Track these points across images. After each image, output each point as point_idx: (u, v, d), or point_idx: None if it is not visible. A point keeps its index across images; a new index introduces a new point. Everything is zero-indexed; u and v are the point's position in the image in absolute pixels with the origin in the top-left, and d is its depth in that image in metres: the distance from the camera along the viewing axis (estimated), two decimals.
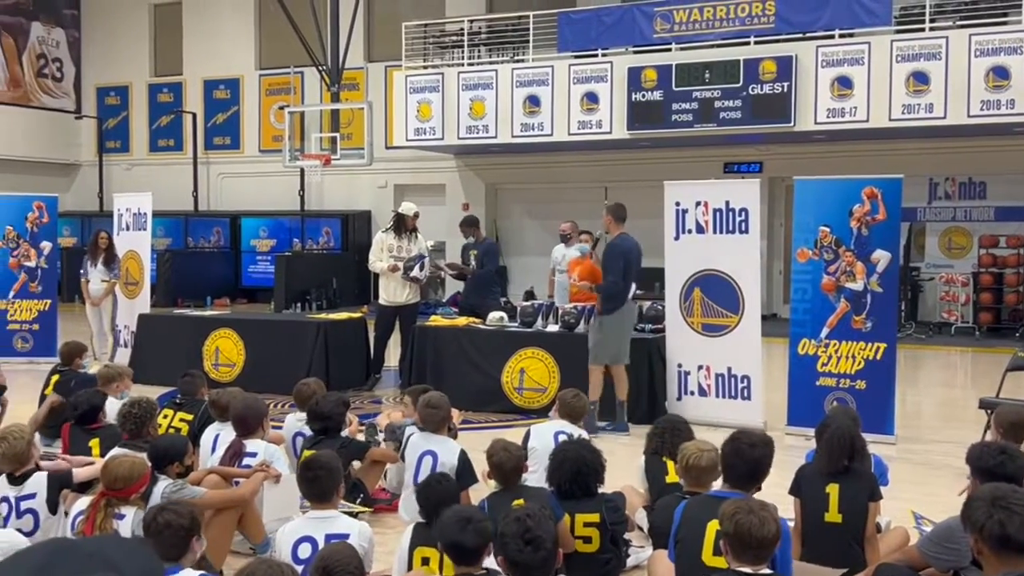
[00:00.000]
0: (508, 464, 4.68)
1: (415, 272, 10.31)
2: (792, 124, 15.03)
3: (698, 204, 8.73)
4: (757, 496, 3.91)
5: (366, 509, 5.65)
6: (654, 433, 5.47)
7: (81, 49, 24.19)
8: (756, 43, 15.31)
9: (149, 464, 4.62)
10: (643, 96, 15.90)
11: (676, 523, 4.07)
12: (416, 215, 10.59)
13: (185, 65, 22.99)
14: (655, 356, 8.92)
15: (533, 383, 9.19)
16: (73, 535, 4.21)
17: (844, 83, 14.73)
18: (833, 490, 4.58)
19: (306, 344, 10.22)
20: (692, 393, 8.79)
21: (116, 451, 5.11)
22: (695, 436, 5.18)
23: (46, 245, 12.47)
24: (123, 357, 11.37)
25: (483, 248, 11.15)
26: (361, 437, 6.52)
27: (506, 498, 4.48)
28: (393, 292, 10.41)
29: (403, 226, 10.49)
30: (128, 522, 4.30)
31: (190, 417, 6.50)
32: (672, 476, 5.12)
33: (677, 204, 8.87)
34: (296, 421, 6.46)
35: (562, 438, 5.67)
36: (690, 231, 8.77)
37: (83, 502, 4.39)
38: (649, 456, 5.37)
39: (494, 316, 9.88)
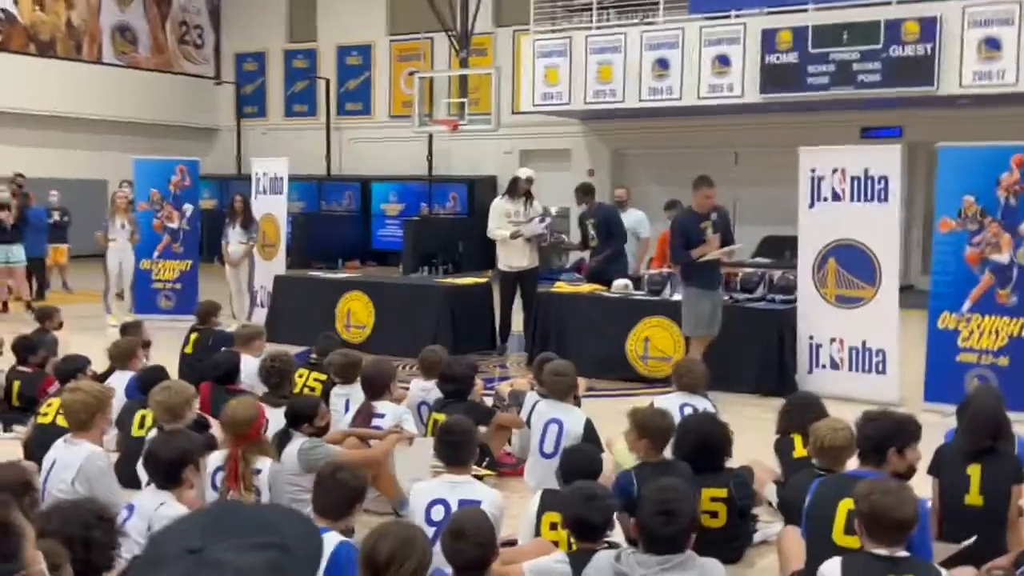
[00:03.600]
0: (657, 427, 4.61)
1: (537, 228, 10.25)
2: (935, 88, 14.34)
3: (835, 171, 8.44)
4: None
5: (491, 473, 5.72)
6: (784, 411, 5.36)
7: (220, 16, 24.96)
8: (898, 3, 14.63)
9: (260, 403, 4.78)
10: (777, 58, 15.42)
11: (809, 500, 3.98)
12: (530, 179, 10.55)
13: (319, 32, 23.46)
14: (785, 328, 8.71)
15: (658, 352, 9.10)
16: (218, 491, 4.40)
17: (992, 44, 13.94)
18: (975, 471, 4.40)
19: (433, 308, 10.38)
20: (824, 367, 8.56)
21: None
22: (827, 413, 5.04)
23: (188, 207, 12.97)
24: (259, 317, 11.76)
25: (602, 216, 10.62)
26: (489, 402, 6.60)
27: (655, 470, 4.42)
28: (513, 258, 10.43)
29: (516, 190, 10.48)
30: (265, 476, 4.47)
31: (324, 377, 6.67)
32: (800, 451, 5.01)
33: (812, 171, 8.60)
34: (420, 390, 6.52)
35: (687, 411, 5.61)
36: (825, 199, 8.50)
37: (217, 456, 4.57)
38: (780, 434, 5.26)
39: (619, 283, 9.82)
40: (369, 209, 22.28)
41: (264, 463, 4.52)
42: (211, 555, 1.06)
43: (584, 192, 10.85)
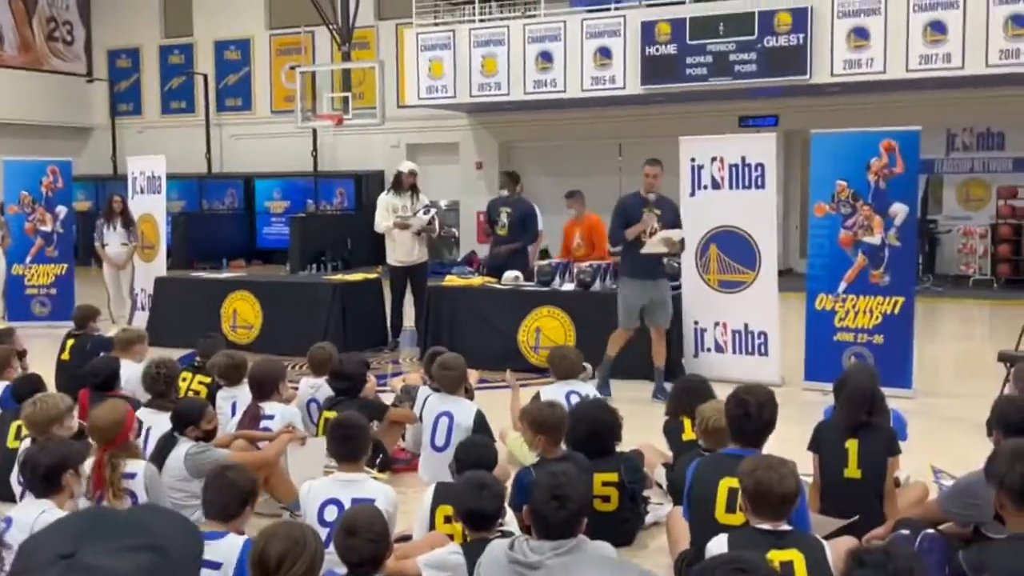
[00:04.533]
0: (552, 420, 4.64)
1: (423, 219, 10.25)
2: (808, 77, 14.86)
3: (714, 160, 8.67)
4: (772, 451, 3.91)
5: (384, 475, 5.68)
6: (673, 394, 5.48)
7: (91, 11, 24.07)
8: None
9: (128, 406, 4.65)
10: (657, 50, 15.73)
11: (689, 481, 4.09)
12: (412, 172, 10.56)
13: (195, 26, 22.86)
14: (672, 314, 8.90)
15: (550, 342, 9.19)
16: (87, 499, 4.26)
17: (860, 34, 14.52)
18: (852, 445, 4.58)
19: (323, 305, 10.25)
20: (709, 350, 8.79)
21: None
22: (715, 395, 5.18)
23: (61, 210, 12.52)
24: (140, 321, 11.42)
25: (521, 210, 10.56)
26: (387, 399, 6.55)
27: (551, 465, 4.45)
28: (402, 252, 10.40)
29: (400, 184, 10.47)
30: (140, 480, 4.34)
31: (209, 380, 6.53)
32: (688, 434, 5.14)
33: (692, 160, 8.81)
34: (309, 388, 6.46)
35: (574, 398, 5.69)
36: (706, 187, 8.72)
37: (87, 464, 4.42)
38: (669, 417, 5.38)
39: (509, 275, 9.87)
40: (253, 207, 21.85)
41: (137, 466, 4.39)
42: (83, 559, 1.03)
43: (512, 180, 10.87)
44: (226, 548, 3.50)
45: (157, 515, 1.17)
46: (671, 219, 7.98)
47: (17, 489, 4.21)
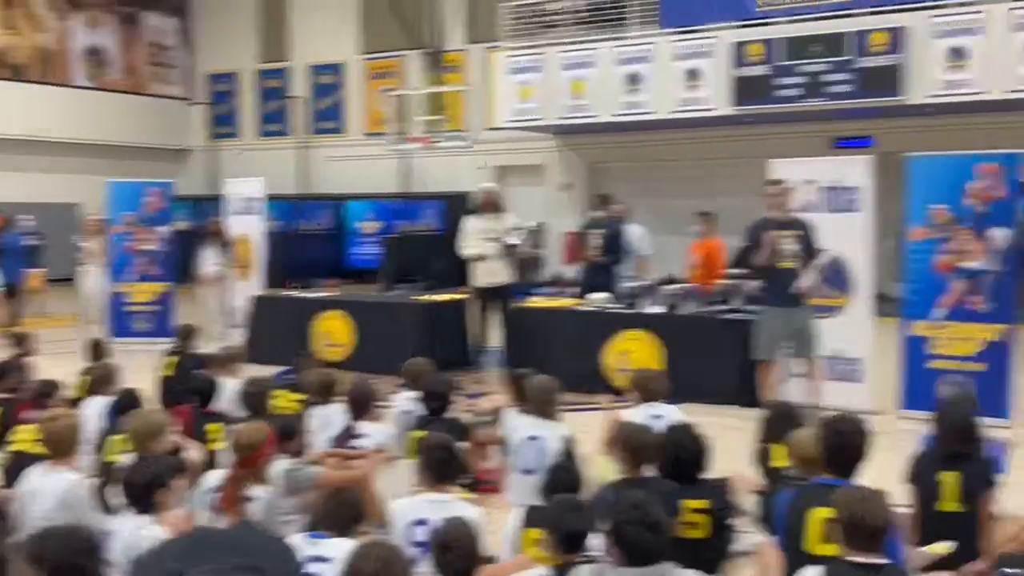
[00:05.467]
0: (636, 441, 4.62)
1: (510, 240, 10.32)
2: (904, 97, 14.53)
3: (806, 183, 8.54)
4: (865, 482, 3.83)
5: (472, 496, 5.71)
6: (763, 420, 5.40)
7: (192, 37, 24.91)
8: (865, 14, 14.83)
9: (268, 430, 4.77)
10: (747, 71, 15.58)
11: (781, 512, 4.02)
12: (491, 193, 10.64)
13: (291, 51, 23.46)
14: None
15: (636, 364, 9.13)
16: (210, 511, 4.38)
17: (958, 54, 14.15)
18: (949, 477, 4.45)
19: (411, 324, 10.39)
20: (799, 376, 8.63)
21: None
22: (806, 422, 5.09)
23: (162, 230, 12.95)
24: (236, 338, 11.71)
25: (613, 230, 10.65)
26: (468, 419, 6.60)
27: (631, 487, 4.43)
28: (487, 274, 10.47)
29: (482, 206, 10.56)
30: (260, 506, 4.46)
31: (301, 397, 6.65)
32: (778, 461, 5.05)
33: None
34: (404, 401, 6.51)
35: (657, 422, 5.63)
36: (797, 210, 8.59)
37: (216, 476, 4.55)
38: (760, 443, 5.30)
39: (596, 297, 9.86)
40: (345, 227, 22.26)
41: (260, 491, 4.51)
42: None
43: (603, 201, 10.96)
44: (337, 547, 3.59)
45: (256, 535, 1.22)
46: (806, 239, 7.79)
47: (117, 503, 4.35)
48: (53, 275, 15.92)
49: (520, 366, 8.18)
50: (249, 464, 4.50)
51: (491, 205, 10.54)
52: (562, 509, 3.56)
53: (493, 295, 10.51)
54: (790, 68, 15.21)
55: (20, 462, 5.22)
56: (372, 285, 19.92)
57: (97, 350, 7.86)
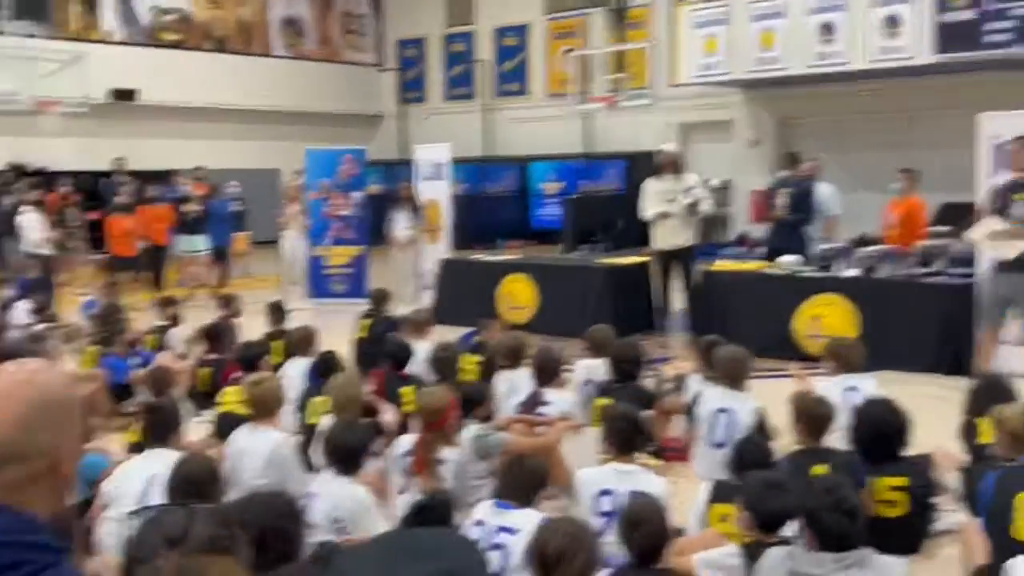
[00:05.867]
0: (811, 412, 4.50)
1: (682, 203, 10.08)
2: None
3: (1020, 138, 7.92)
4: None
5: (658, 462, 5.68)
6: (970, 393, 5.10)
7: (382, 4, 25.57)
8: None
9: (451, 394, 4.90)
10: (953, 16, 14.56)
11: (987, 494, 3.79)
12: (670, 153, 10.38)
13: (477, 14, 23.72)
14: (964, 303, 8.27)
15: (830, 331, 8.79)
16: (403, 473, 4.54)
17: None
18: None
19: (594, 288, 10.39)
20: (1007, 343, 8.09)
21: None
22: (1016, 396, 4.77)
23: (356, 195, 13.43)
24: (427, 300, 12.08)
25: (800, 189, 10.30)
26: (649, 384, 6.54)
27: (808, 458, 4.33)
28: (668, 236, 10.29)
29: (665, 167, 10.33)
30: (450, 467, 4.59)
31: (484, 360, 6.71)
32: (985, 437, 4.76)
33: (994, 138, 8.10)
34: (585, 369, 6.50)
35: (852, 395, 5.40)
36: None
37: (407, 440, 4.71)
38: (966, 417, 5.01)
39: (788, 260, 9.54)
40: (528, 189, 22.44)
41: (451, 453, 4.64)
42: None
43: (792, 160, 10.65)
44: (524, 518, 3.66)
45: (451, 540, 1.24)
46: None
47: (318, 463, 4.56)
48: (257, 238, 16.81)
49: (705, 331, 8.05)
50: (436, 427, 4.63)
51: (672, 165, 10.33)
52: (762, 487, 3.48)
53: (675, 258, 10.33)
54: (1001, 12, 14.10)
55: (228, 422, 5.57)
56: (554, 246, 20.07)
57: (277, 313, 8.22)
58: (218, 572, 1.63)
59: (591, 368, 6.42)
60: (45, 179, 17.14)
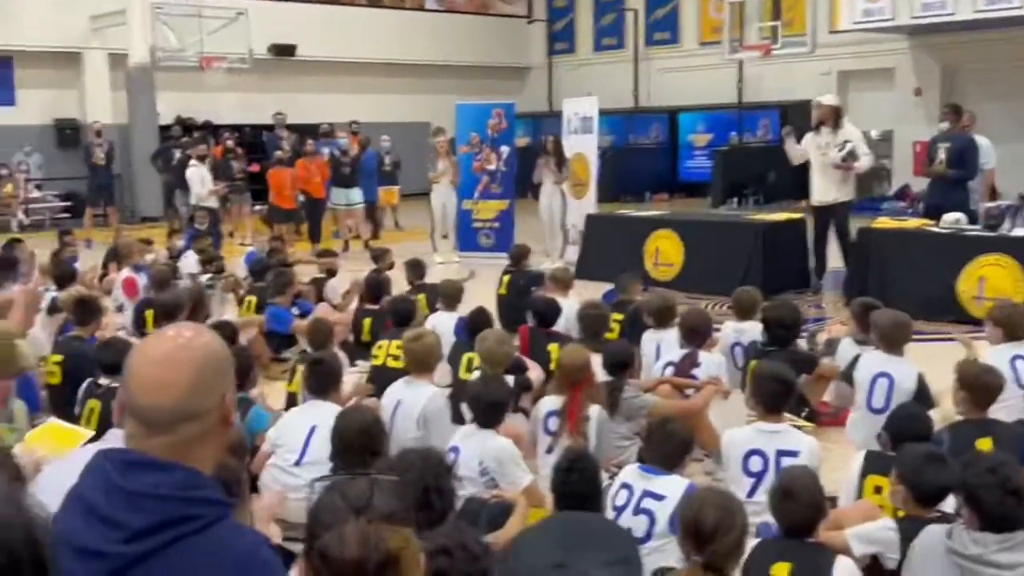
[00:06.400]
0: (976, 381, 4.32)
1: (835, 157, 9.71)
2: None
3: None
4: None
5: (810, 424, 5.57)
6: None
7: None
8: None
9: (588, 351, 4.92)
10: None
11: None
12: (831, 106, 9.96)
13: None
14: None
15: (996, 293, 8.37)
16: (547, 436, 4.62)
17: None
18: None
19: (745, 245, 10.18)
20: None
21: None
22: None
23: (505, 149, 13.51)
24: (571, 255, 12.11)
25: (959, 143, 9.74)
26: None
27: (972, 431, 4.16)
28: (823, 190, 9.96)
29: (822, 119, 9.95)
30: (593, 424, 4.64)
31: (620, 318, 6.67)
32: None
33: None
34: (733, 332, 6.40)
35: (1020, 365, 5.13)
36: None
37: (550, 401, 4.78)
38: None
39: (950, 218, 9.10)
40: (676, 140, 22.11)
41: (593, 410, 4.69)
42: (575, 570, 1.14)
43: (954, 112, 10.12)
44: (670, 485, 3.68)
45: (618, 529, 1.26)
46: None
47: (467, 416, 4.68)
48: (407, 191, 17.16)
49: (861, 291, 7.80)
50: (580, 386, 4.66)
51: (831, 118, 9.95)
52: (920, 460, 3.37)
53: (831, 213, 10.00)
54: None
55: (382, 376, 5.76)
56: (703, 200, 19.76)
57: (416, 269, 8.38)
58: (397, 541, 1.72)
59: (740, 330, 6.32)
60: (210, 132, 17.93)
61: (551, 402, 4.78)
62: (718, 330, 6.57)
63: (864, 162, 9.84)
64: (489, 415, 4.32)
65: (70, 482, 1.76)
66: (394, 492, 1.79)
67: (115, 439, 2.59)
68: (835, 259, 10.28)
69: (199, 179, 12.89)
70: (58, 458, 3.23)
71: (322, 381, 4.72)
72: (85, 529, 1.65)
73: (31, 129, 18.76)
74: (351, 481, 1.81)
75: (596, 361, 5.02)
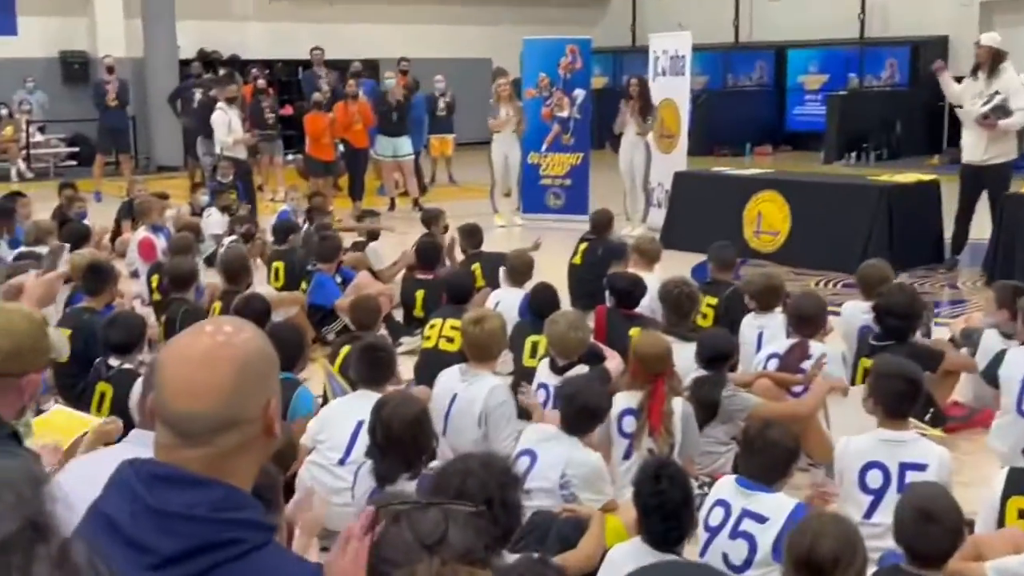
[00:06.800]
0: None
1: (979, 110, 9.46)
2: None
3: None
4: None
5: (937, 431, 5.48)
6: None
7: None
8: None
9: (667, 341, 4.89)
10: None
11: None
12: (987, 48, 9.67)
13: None
14: None
15: None
16: (623, 439, 4.61)
17: None
18: None
19: (866, 211, 10.04)
20: None
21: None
22: None
23: (579, 93, 13.39)
24: (656, 219, 12.01)
25: None
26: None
27: None
28: (973, 147, 9.72)
29: (978, 61, 9.69)
30: (678, 420, 4.61)
31: (715, 302, 6.62)
32: None
33: None
34: (860, 312, 6.25)
35: None
36: None
37: (624, 398, 4.75)
38: None
39: None
40: (784, 83, 21.82)
41: (676, 404, 4.66)
42: None
43: None
44: (774, 504, 3.66)
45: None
46: None
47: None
48: (462, 140, 17.16)
49: (1007, 272, 7.66)
50: (661, 378, 4.62)
51: (985, 61, 9.66)
52: None
53: (984, 175, 9.71)
54: None
55: (434, 360, 5.80)
56: (814, 154, 19.47)
57: (473, 237, 8.37)
58: None
59: (866, 311, 6.15)
60: (237, 69, 18.06)
61: (626, 399, 4.75)
62: (836, 313, 6.48)
63: (1017, 119, 9.53)
64: (582, 421, 4.31)
65: (93, 492, 1.77)
66: (470, 525, 1.79)
67: (140, 442, 2.64)
68: (980, 229, 9.98)
69: (225, 125, 12.95)
70: (81, 458, 3.31)
71: (376, 369, 4.75)
72: (108, 552, 1.67)
73: (34, 63, 19.11)
74: (422, 512, 1.81)
75: (678, 350, 5.00)
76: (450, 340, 6.03)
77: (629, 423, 4.68)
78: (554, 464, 4.18)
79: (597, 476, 4.23)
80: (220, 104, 13.30)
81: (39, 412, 4.46)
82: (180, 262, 7.06)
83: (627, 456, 4.64)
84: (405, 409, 3.91)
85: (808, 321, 5.51)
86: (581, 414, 4.30)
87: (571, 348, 5.13)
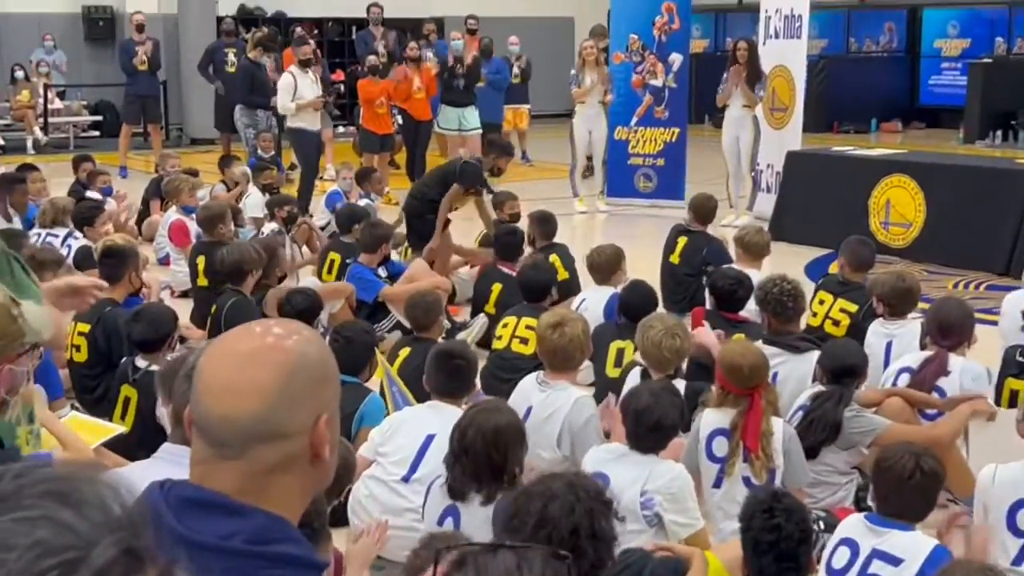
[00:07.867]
0: None
1: None
2: None
3: None
4: None
5: None
6: None
7: None
8: None
9: (760, 349, 4.82)
10: None
11: None
12: None
13: None
14: None
15: None
16: (712, 463, 4.56)
17: None
18: None
19: (1015, 201, 9.89)
20: None
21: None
22: None
23: (676, 59, 13.31)
24: (764, 206, 11.89)
25: None
26: None
27: None
28: None
29: None
30: (779, 441, 4.55)
31: (854, 309, 6.53)
32: None
33: None
34: (1011, 318, 6.10)
35: None
36: None
37: (715, 417, 4.69)
38: None
39: None
40: (917, 48, 21.58)
41: (776, 425, 4.59)
42: None
43: None
44: (910, 544, 3.63)
45: None
46: None
47: None
48: (538, 111, 17.14)
49: None
50: (758, 392, 4.55)
51: None
52: None
53: None
54: None
55: (506, 366, 5.79)
56: (953, 131, 19.21)
57: (545, 225, 8.32)
58: None
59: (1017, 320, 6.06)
60: (281, 29, 18.22)
61: (717, 417, 4.67)
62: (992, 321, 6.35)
63: None
64: (655, 438, 4.27)
65: None
66: (549, 570, 1.76)
67: (171, 459, 2.66)
68: None
69: (289, 89, 12.72)
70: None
71: (455, 381, 4.78)
72: None
73: (53, 19, 19.42)
74: (490, 556, 1.78)
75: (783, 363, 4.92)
76: (524, 341, 6.04)
77: (719, 445, 4.62)
78: (632, 481, 4.15)
79: (684, 490, 4.19)
80: (291, 68, 13.26)
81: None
82: (245, 249, 7.06)
83: (717, 484, 4.58)
84: (485, 418, 3.91)
85: (952, 330, 5.38)
86: (656, 432, 4.26)
87: (667, 360, 5.08)
